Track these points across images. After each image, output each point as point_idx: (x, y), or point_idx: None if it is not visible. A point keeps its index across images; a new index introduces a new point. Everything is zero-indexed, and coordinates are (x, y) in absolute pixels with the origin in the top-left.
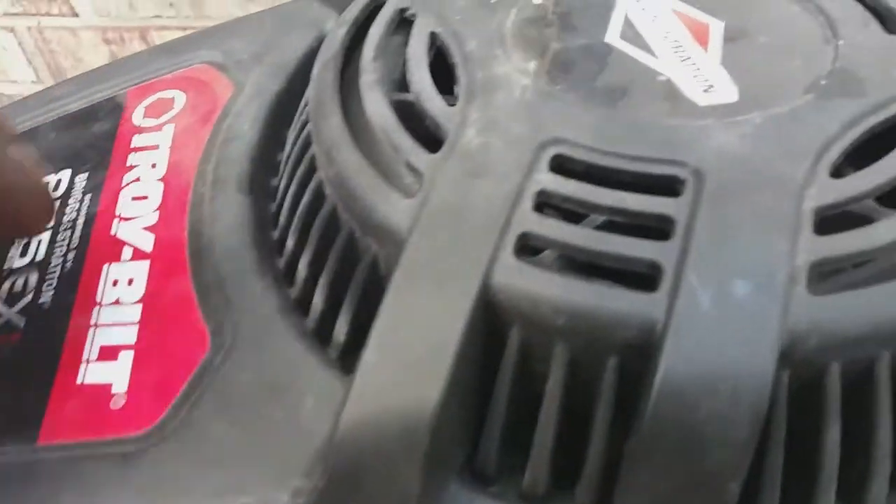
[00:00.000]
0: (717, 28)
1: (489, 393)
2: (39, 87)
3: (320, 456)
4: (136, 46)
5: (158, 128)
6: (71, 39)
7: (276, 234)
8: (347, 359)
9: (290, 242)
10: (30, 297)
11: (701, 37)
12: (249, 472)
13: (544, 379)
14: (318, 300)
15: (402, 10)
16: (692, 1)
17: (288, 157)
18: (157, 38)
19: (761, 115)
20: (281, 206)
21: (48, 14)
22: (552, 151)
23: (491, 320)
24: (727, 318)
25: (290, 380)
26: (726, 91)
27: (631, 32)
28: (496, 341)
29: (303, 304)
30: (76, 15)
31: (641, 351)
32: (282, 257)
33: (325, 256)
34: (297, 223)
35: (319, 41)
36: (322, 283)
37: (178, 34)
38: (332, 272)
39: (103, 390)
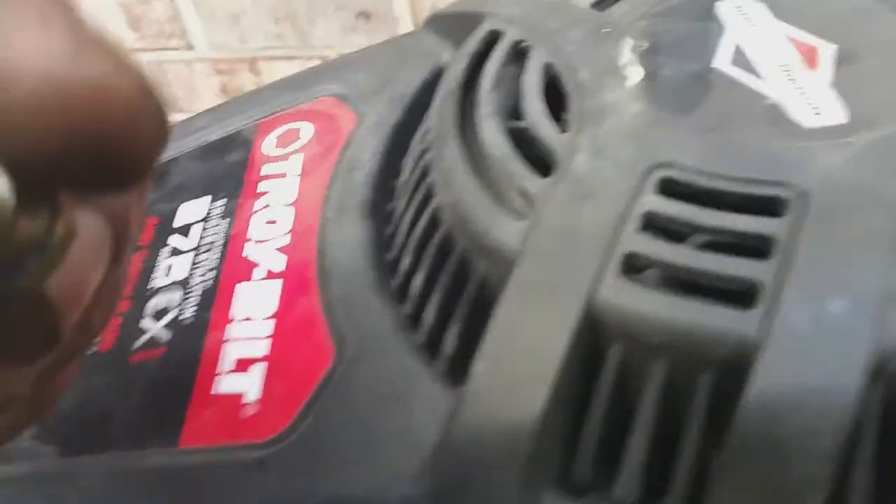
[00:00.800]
0: (827, 51)
1: (583, 407)
2: None
3: (427, 463)
4: (246, 76)
5: (286, 157)
6: (185, 71)
7: (390, 255)
8: (454, 372)
9: (404, 262)
10: (173, 313)
11: (811, 60)
12: (367, 478)
13: (638, 394)
14: (429, 316)
15: (518, 43)
16: (803, 25)
17: (405, 184)
18: (265, 68)
19: (868, 136)
20: (397, 229)
21: (166, 48)
22: (659, 175)
23: (593, 337)
24: (820, 335)
25: (402, 391)
26: (834, 113)
27: (740, 58)
28: (596, 357)
29: (414, 320)
30: (191, 48)
31: (735, 367)
32: (395, 276)
33: (438, 276)
34: (413, 245)
35: (434, 73)
36: (434, 300)
37: (285, 64)
38: (443, 290)
39: (237, 399)
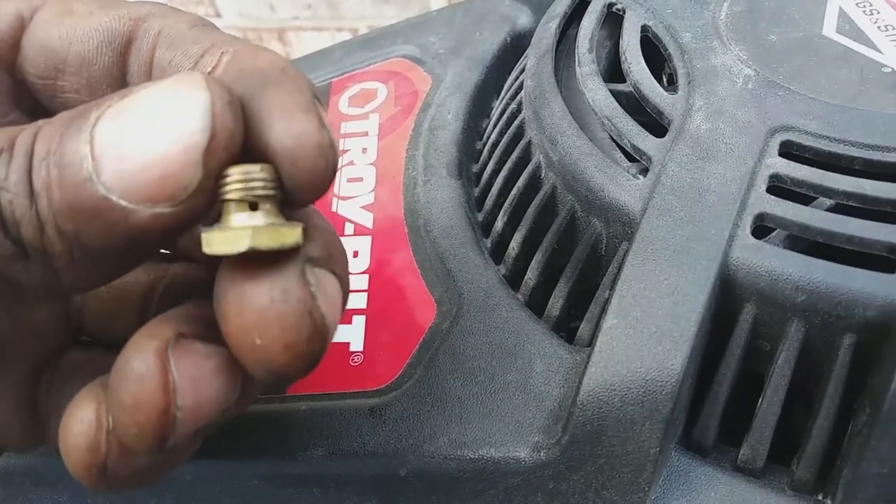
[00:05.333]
0: None
1: (707, 368)
2: None
3: (556, 416)
4: (274, 46)
5: (364, 116)
6: None
7: (480, 216)
8: (558, 331)
9: (499, 223)
10: None
11: None
12: (490, 427)
13: (766, 356)
14: (531, 276)
15: (611, 5)
16: None
17: (494, 146)
18: (294, 39)
19: None
20: (486, 190)
21: None
22: (781, 138)
23: (724, 297)
24: None
25: (517, 346)
26: None
27: (848, 26)
28: (724, 318)
29: (512, 280)
30: (219, 16)
31: (879, 330)
32: (487, 238)
33: (539, 236)
34: (509, 206)
35: (512, 36)
36: (537, 260)
37: (313, 34)
38: (547, 250)
39: (342, 349)
